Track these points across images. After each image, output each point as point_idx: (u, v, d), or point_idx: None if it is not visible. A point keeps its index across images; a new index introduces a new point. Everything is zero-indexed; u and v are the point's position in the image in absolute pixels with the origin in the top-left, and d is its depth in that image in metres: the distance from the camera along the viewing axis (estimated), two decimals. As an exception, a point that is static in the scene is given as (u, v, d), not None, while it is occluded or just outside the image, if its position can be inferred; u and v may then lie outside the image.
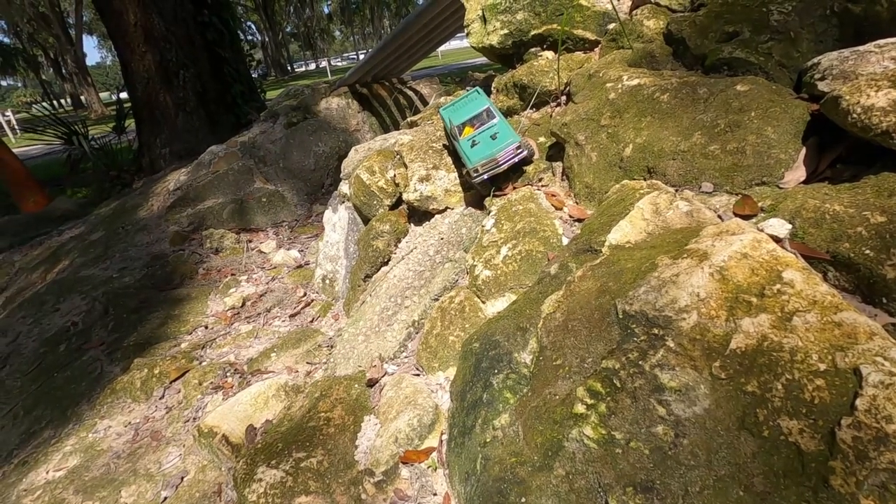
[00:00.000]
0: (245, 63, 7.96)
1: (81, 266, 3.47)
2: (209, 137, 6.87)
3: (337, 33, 57.49)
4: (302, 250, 3.31)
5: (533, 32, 2.14)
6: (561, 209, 1.51)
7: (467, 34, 2.38)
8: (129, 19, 6.36)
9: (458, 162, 1.79)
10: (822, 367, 0.70)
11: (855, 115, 0.95)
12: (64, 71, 29.12)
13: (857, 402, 0.66)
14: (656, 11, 1.81)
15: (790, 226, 0.91)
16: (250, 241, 3.59)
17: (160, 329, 2.48)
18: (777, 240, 0.89)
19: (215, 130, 6.90)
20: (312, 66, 53.15)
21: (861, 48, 1.14)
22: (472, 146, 1.56)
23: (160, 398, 1.90)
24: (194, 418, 1.73)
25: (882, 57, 1.10)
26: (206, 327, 2.45)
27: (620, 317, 0.87)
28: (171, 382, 1.94)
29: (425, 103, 5.18)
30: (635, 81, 1.45)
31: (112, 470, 1.61)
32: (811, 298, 0.76)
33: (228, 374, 1.90)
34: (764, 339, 0.74)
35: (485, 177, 1.53)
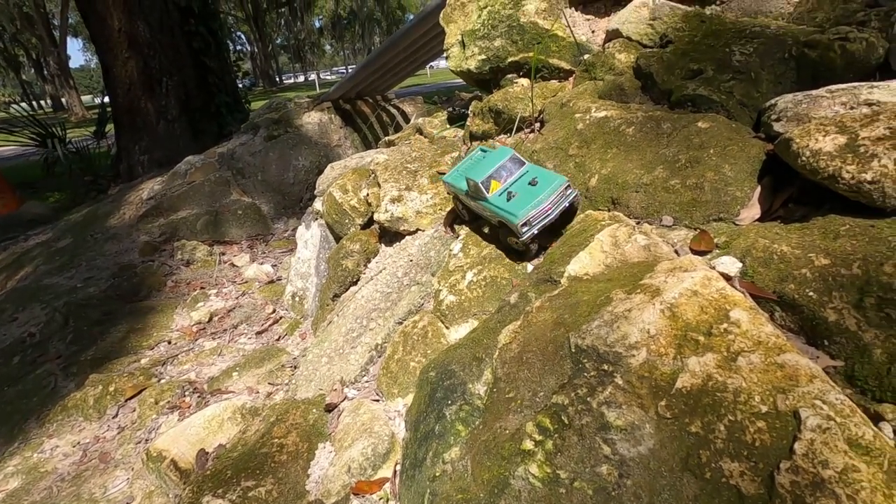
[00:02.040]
0: (231, 73, 7.94)
1: (45, 274, 3.36)
2: (191, 146, 6.79)
3: (327, 47, 57.87)
4: (275, 265, 3.27)
5: (510, 59, 2.18)
6: (529, 235, 1.52)
7: (447, 57, 2.41)
8: (114, 25, 6.31)
9: (483, 226, 1.52)
10: (764, 409, 0.71)
11: (804, 158, 0.98)
12: (46, 72, 28.62)
13: (796, 445, 0.66)
14: (627, 45, 1.86)
15: (741, 264, 0.92)
16: (223, 254, 3.53)
17: (121, 343, 2.40)
18: (727, 278, 0.90)
19: (198, 139, 6.83)
20: (301, 79, 53.26)
21: (814, 92, 1.18)
22: (508, 200, 1.29)
23: (113, 417, 1.83)
24: (146, 440, 1.66)
25: (833, 102, 1.14)
26: (170, 342, 2.38)
27: (573, 351, 0.87)
28: (126, 400, 1.87)
29: (408, 121, 5.22)
30: (603, 113, 1.48)
31: (54, 494, 1.53)
32: (756, 339, 0.77)
33: (187, 392, 1.84)
34: (709, 378, 0.75)
35: (535, 231, 1.24)
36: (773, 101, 1.27)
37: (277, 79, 45.05)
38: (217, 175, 3.98)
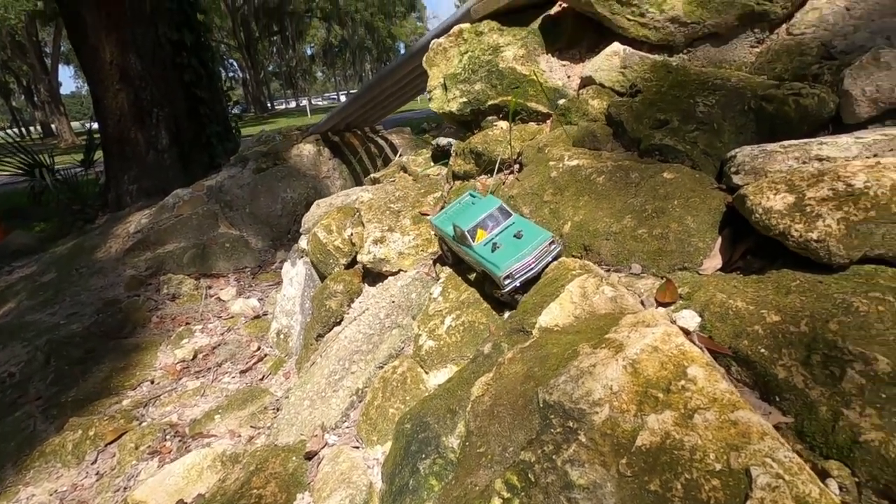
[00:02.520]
0: (222, 104, 8.05)
1: (28, 310, 3.33)
2: (181, 175, 6.84)
3: (319, 74, 58.80)
4: (262, 298, 3.27)
5: (489, 102, 2.26)
6: (507, 279, 1.56)
7: (430, 99, 2.50)
8: (105, 57, 6.41)
9: (468, 273, 1.54)
10: (718, 466, 0.74)
11: (758, 215, 1.04)
12: (36, 99, 28.71)
13: (748, 504, 0.69)
14: (600, 92, 1.95)
15: (699, 318, 0.97)
16: (209, 288, 3.53)
17: (103, 383, 2.38)
18: (687, 332, 0.94)
19: (188, 169, 6.88)
20: (293, 105, 53.91)
21: (769, 147, 1.25)
22: (493, 250, 1.30)
23: (92, 463, 1.81)
24: (125, 487, 1.64)
25: (787, 156, 1.21)
26: (153, 382, 2.37)
27: (541, 406, 0.90)
28: (105, 445, 1.85)
29: (396, 152, 5.31)
30: (575, 162, 1.55)
31: (29, 546, 1.50)
32: (711, 396, 0.80)
33: (168, 437, 1.82)
34: (667, 436, 0.78)
35: (517, 283, 1.25)
36: (733, 153, 1.34)
37: (269, 105, 45.58)
38: (205, 208, 4.00)
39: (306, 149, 4.72)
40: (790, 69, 1.74)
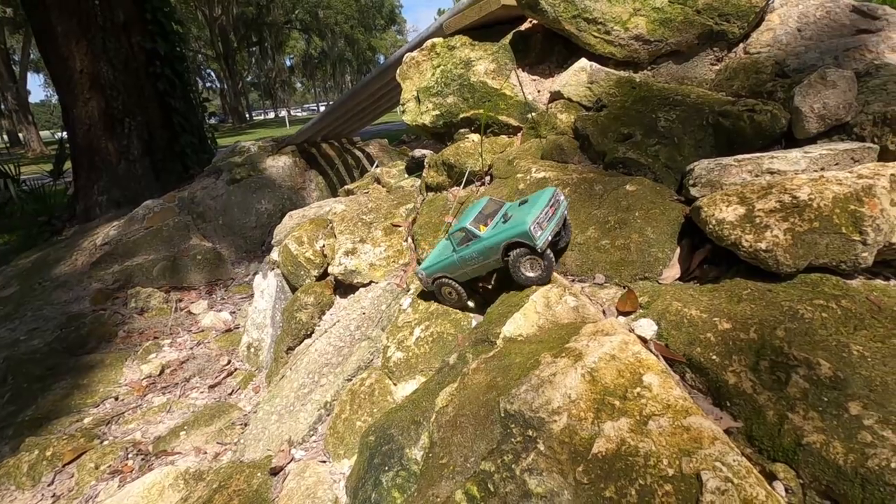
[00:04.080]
0: (196, 114, 7.93)
1: (-15, 326, 3.19)
2: (153, 186, 6.70)
3: (298, 85, 58.57)
4: (234, 311, 3.21)
5: (462, 115, 2.29)
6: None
7: (403, 112, 2.52)
8: (76, 66, 6.27)
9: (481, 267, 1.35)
10: (671, 472, 0.75)
11: (711, 226, 1.07)
12: (3, 107, 27.83)
13: (698, 509, 0.71)
14: (568, 106, 1.99)
15: (657, 327, 0.99)
16: (180, 301, 3.45)
17: (64, 401, 2.29)
18: (644, 340, 0.96)
19: (160, 179, 6.74)
20: (272, 115, 53.48)
21: (724, 161, 1.30)
22: (505, 221, 1.25)
23: (48, 485, 1.73)
24: (83, 509, 1.58)
25: (741, 170, 1.26)
26: (117, 399, 2.29)
27: (502, 415, 0.91)
28: (63, 466, 1.78)
29: (373, 163, 5.31)
30: (542, 174, 1.57)
31: (-24, 575, 1.43)
32: (665, 402, 0.82)
33: (130, 455, 1.77)
34: (623, 443, 0.79)
35: (548, 236, 1.17)
36: (692, 166, 1.38)
37: (247, 115, 45.13)
38: (177, 220, 3.92)
39: (282, 160, 4.69)
40: (747, 86, 1.81)
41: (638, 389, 0.85)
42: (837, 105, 1.39)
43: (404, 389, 1.34)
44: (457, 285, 1.41)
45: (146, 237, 3.80)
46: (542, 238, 1.17)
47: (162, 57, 6.90)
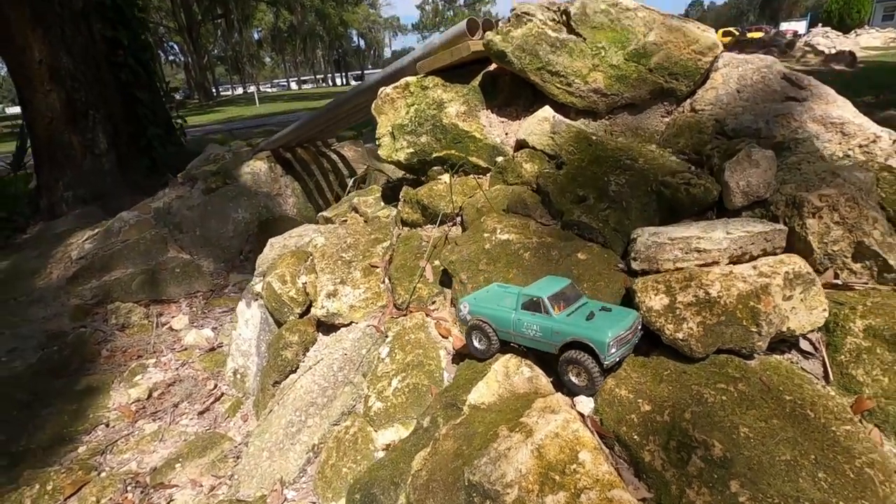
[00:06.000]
0: (163, 104, 7.73)
1: (-38, 346, 3.21)
2: (120, 181, 6.59)
3: (267, 59, 56.54)
4: (216, 328, 3.32)
5: (435, 154, 2.43)
6: (447, 337, 1.76)
7: (379, 146, 2.63)
8: (33, 56, 6.04)
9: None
10: (596, 538, 0.96)
11: (643, 311, 1.27)
12: (-53, 82, 26.05)
13: (614, 569, 0.92)
14: (533, 155, 2.16)
15: (593, 404, 1.20)
16: (160, 315, 3.53)
17: (56, 429, 2.39)
18: (583, 416, 1.17)
19: (127, 174, 6.62)
20: (240, 91, 51.64)
21: (660, 239, 1.49)
22: (588, 319, 1.24)
23: (52, 519, 1.87)
24: (89, 543, 1.73)
25: (673, 247, 1.45)
26: (108, 425, 2.41)
27: (466, 484, 1.10)
28: (65, 500, 1.91)
29: (349, 167, 5.38)
30: (505, 236, 1.75)
31: None
32: (595, 477, 1.03)
33: (129, 487, 1.91)
34: (560, 513, 1.00)
35: (617, 357, 1.19)
36: (635, 235, 1.57)
37: (214, 91, 43.46)
38: (153, 232, 3.96)
39: (257, 166, 4.71)
40: (690, 145, 2.02)
41: (574, 465, 1.05)
42: (759, 184, 1.60)
43: (384, 437, 1.53)
44: (494, 338, 1.39)
45: (123, 251, 3.82)
46: (612, 358, 1.17)
47: (124, 46, 6.69)
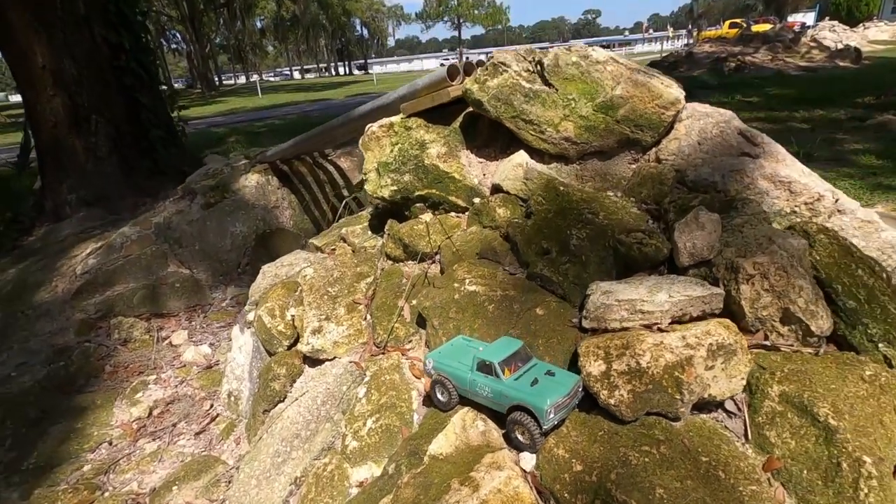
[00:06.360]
0: (165, 107, 7.85)
1: (-25, 359, 3.40)
2: (123, 184, 6.74)
3: (270, 48, 56.26)
4: (213, 344, 3.49)
5: (417, 193, 2.57)
6: (420, 378, 1.92)
7: (365, 181, 2.78)
8: (37, 62, 6.16)
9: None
10: (525, 586, 1.13)
11: (583, 375, 1.43)
12: (-50, 71, 26.16)
13: None
14: (506, 200, 2.30)
15: (535, 461, 1.36)
16: (161, 330, 3.71)
17: (62, 446, 2.58)
18: (525, 472, 1.33)
19: (130, 177, 6.77)
20: (243, 80, 51.53)
21: (608, 300, 1.63)
22: (532, 384, 1.38)
23: (61, 537, 2.05)
24: (95, 561, 1.91)
25: (620, 309, 1.60)
26: (111, 443, 2.59)
27: (420, 533, 1.27)
28: (72, 519, 2.10)
29: (345, 178, 5.52)
30: (473, 288, 1.90)
31: None
32: (529, 531, 1.19)
33: (131, 508, 2.10)
34: (496, 564, 1.16)
35: (555, 422, 1.35)
36: (589, 291, 1.72)
37: (216, 80, 43.39)
38: (154, 248, 4.12)
39: (254, 179, 4.86)
40: (652, 195, 2.16)
41: (512, 520, 1.21)
42: (703, 246, 1.74)
43: (358, 474, 1.70)
44: (455, 394, 1.54)
45: (125, 266, 3.99)
46: (551, 422, 1.33)
47: (127, 50, 6.79)
